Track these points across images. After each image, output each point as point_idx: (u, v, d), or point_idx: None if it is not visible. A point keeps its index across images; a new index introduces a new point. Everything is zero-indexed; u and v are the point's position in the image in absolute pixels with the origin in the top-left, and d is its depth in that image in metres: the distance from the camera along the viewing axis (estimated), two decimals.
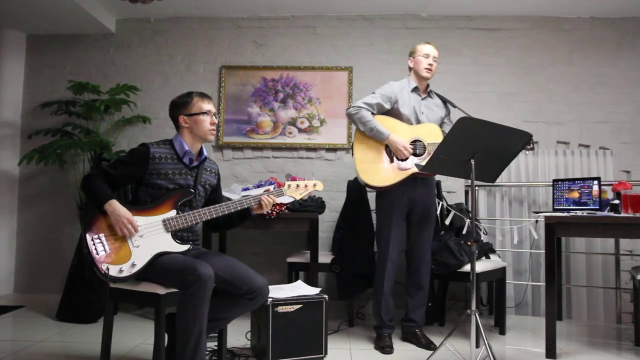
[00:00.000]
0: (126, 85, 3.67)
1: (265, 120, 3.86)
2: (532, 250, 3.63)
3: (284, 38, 3.94)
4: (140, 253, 1.90)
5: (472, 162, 2.10)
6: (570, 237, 3.60)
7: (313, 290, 2.50)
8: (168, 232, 1.98)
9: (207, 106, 2.13)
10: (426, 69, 2.69)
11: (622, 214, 2.51)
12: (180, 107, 2.13)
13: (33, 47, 4.02)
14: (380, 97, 2.68)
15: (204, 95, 2.15)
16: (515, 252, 3.70)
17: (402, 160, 2.61)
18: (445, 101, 2.83)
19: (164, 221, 1.98)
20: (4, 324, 3.07)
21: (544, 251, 2.69)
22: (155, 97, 3.93)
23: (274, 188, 2.36)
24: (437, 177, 3.04)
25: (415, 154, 2.62)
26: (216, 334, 2.15)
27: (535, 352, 2.59)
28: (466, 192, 3.75)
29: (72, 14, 3.61)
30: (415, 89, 2.74)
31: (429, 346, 2.61)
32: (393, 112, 2.70)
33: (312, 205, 3.08)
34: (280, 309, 2.31)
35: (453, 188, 3.74)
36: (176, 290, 1.88)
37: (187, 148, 2.10)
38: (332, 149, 3.82)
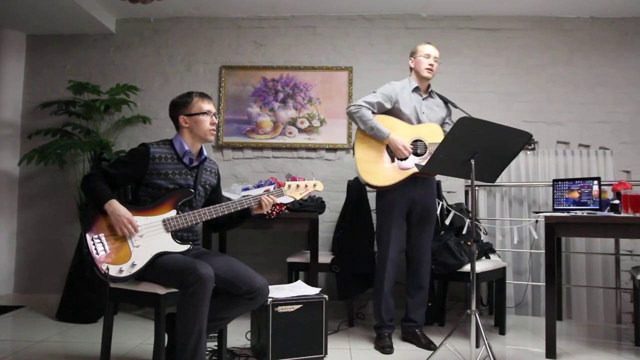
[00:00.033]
0: (126, 85, 3.67)
1: (265, 120, 3.86)
2: (532, 250, 3.63)
3: (284, 38, 3.94)
4: (140, 253, 1.90)
5: (472, 162, 2.10)
6: (570, 237, 3.60)
7: (313, 290, 2.50)
8: (168, 232, 1.98)
9: (207, 106, 2.13)
10: (427, 69, 2.69)
11: (622, 214, 2.51)
12: (180, 107, 2.13)
13: (33, 47, 4.02)
14: (381, 96, 2.68)
15: (204, 95, 2.15)
16: (515, 252, 3.70)
17: (402, 159, 2.61)
18: (446, 101, 2.84)
19: (164, 221, 1.98)
20: (4, 324, 3.07)
21: (544, 251, 2.69)
22: (155, 97, 3.93)
23: (274, 188, 2.36)
24: (437, 177, 3.04)
25: (416, 154, 2.62)
26: (216, 334, 2.15)
27: (535, 352, 2.59)
28: (466, 192, 3.75)
29: (72, 14, 3.61)
30: (416, 89, 2.75)
31: (429, 346, 2.61)
32: (394, 112, 2.71)
33: (312, 205, 3.08)
34: (280, 309, 2.31)
35: (453, 188, 3.74)
36: (176, 290, 1.88)
37: (187, 148, 2.10)
38: (332, 149, 3.82)
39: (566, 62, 3.85)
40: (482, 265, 2.82)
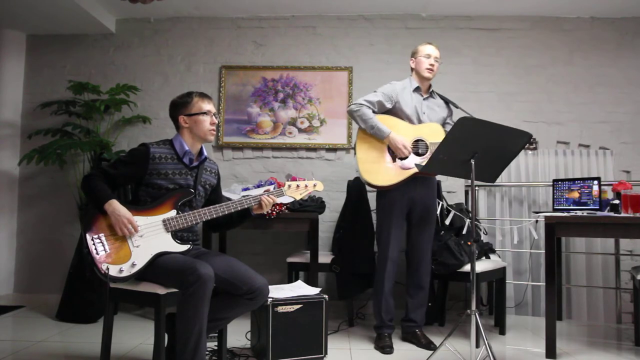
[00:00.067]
0: (126, 85, 3.67)
1: (265, 120, 3.86)
2: (532, 250, 3.63)
3: (284, 38, 3.94)
4: (140, 253, 1.90)
5: (472, 162, 2.10)
6: (570, 237, 3.60)
7: (313, 290, 2.50)
8: (168, 232, 1.98)
9: (207, 106, 2.13)
10: (427, 69, 2.70)
11: (622, 214, 2.51)
12: (180, 107, 2.13)
13: (33, 47, 4.02)
14: (382, 95, 2.68)
15: (204, 95, 2.15)
16: (515, 252, 3.70)
17: (402, 158, 2.61)
18: (447, 102, 2.84)
19: (164, 221, 1.98)
20: (4, 324, 3.07)
21: (544, 251, 2.69)
22: (155, 97, 3.93)
23: (274, 188, 2.36)
24: (437, 177, 3.03)
25: (417, 154, 2.62)
26: (216, 334, 2.15)
27: (535, 352, 2.59)
28: (466, 192, 3.75)
29: (72, 14, 3.61)
30: (417, 89, 2.75)
31: (429, 346, 2.61)
32: (394, 112, 2.71)
33: (312, 205, 3.08)
34: (280, 309, 2.31)
35: (453, 188, 3.74)
36: (176, 290, 1.88)
37: (187, 148, 2.10)
38: (332, 149, 3.82)
39: (566, 62, 3.85)
40: (482, 265, 2.82)
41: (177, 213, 2.01)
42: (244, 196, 2.19)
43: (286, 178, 2.70)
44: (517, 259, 3.73)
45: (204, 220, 2.05)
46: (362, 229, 3.20)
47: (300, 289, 2.54)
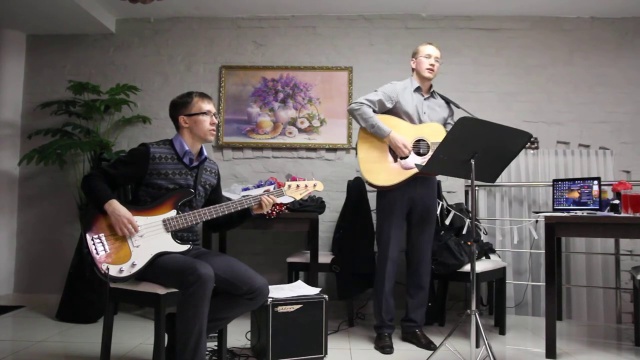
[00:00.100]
0: (126, 85, 3.67)
1: (265, 120, 3.86)
2: (532, 250, 3.63)
3: (284, 38, 3.94)
4: (140, 253, 1.90)
5: (472, 162, 2.10)
6: (570, 237, 3.60)
7: (313, 290, 2.50)
8: (168, 232, 1.98)
9: (207, 106, 2.13)
10: (428, 69, 2.70)
11: (622, 214, 2.51)
12: (180, 107, 2.13)
13: (33, 47, 4.02)
14: (382, 94, 2.69)
15: (204, 95, 2.15)
16: (515, 252, 3.70)
17: (403, 158, 2.61)
18: (448, 102, 2.84)
19: (164, 221, 1.98)
20: (4, 324, 3.07)
21: (544, 251, 2.69)
22: (155, 97, 3.93)
23: (274, 188, 2.36)
24: (437, 177, 3.03)
25: (419, 154, 2.62)
26: (216, 334, 2.15)
27: (535, 352, 2.59)
28: (466, 192, 3.75)
29: (72, 14, 3.61)
30: (417, 89, 2.75)
31: (429, 346, 2.61)
32: (395, 112, 2.71)
33: (312, 205, 3.08)
34: (280, 309, 2.31)
35: (453, 188, 3.74)
36: (176, 290, 1.88)
37: (187, 148, 2.10)
38: (332, 149, 3.82)
39: (566, 62, 3.85)
40: (482, 265, 2.82)
41: (177, 213, 2.01)
42: (244, 196, 2.19)
43: (286, 178, 2.70)
44: (517, 259, 3.73)
45: (204, 220, 2.05)
46: (362, 229, 3.20)
47: (300, 289, 2.54)
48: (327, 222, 3.71)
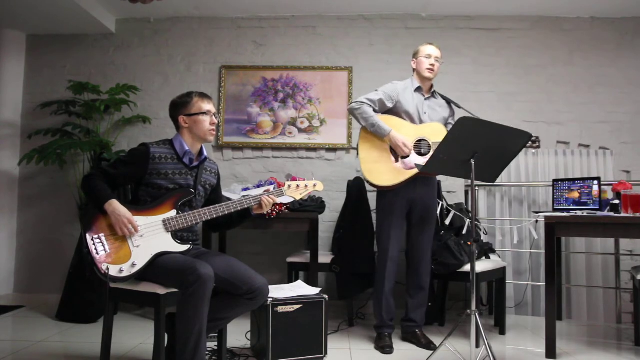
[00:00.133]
0: (126, 85, 3.67)
1: (265, 120, 3.86)
2: (532, 250, 3.63)
3: (284, 38, 3.94)
4: (140, 253, 1.90)
5: (472, 162, 2.10)
6: (570, 237, 3.60)
7: (313, 290, 2.50)
8: (168, 232, 1.98)
9: (207, 106, 2.13)
10: (428, 69, 2.70)
11: (622, 214, 2.51)
12: (180, 107, 2.13)
13: (33, 47, 4.02)
14: (383, 94, 2.69)
15: (204, 96, 2.15)
16: (515, 252, 3.70)
17: (404, 157, 2.61)
18: (449, 102, 2.84)
19: (164, 221, 1.98)
20: (4, 324, 3.07)
21: (544, 251, 2.69)
22: (155, 97, 3.93)
23: (274, 188, 2.36)
24: (438, 177, 3.04)
25: (420, 153, 2.62)
26: (216, 334, 2.15)
27: (535, 352, 2.59)
28: (466, 192, 3.75)
29: (72, 14, 3.61)
30: (418, 89, 2.75)
31: (429, 346, 2.61)
32: (395, 111, 2.71)
33: (312, 205, 3.08)
34: (280, 309, 2.31)
35: (453, 188, 3.74)
36: (176, 290, 1.88)
37: (187, 148, 2.10)
38: (332, 149, 3.82)
39: (566, 62, 3.85)
40: (482, 265, 2.82)
41: (177, 213, 2.01)
42: (244, 196, 2.19)
43: (286, 178, 2.70)
44: (517, 259, 3.73)
45: (204, 220, 2.05)
46: (362, 229, 3.20)
47: (300, 289, 2.54)
48: (327, 222, 3.71)
